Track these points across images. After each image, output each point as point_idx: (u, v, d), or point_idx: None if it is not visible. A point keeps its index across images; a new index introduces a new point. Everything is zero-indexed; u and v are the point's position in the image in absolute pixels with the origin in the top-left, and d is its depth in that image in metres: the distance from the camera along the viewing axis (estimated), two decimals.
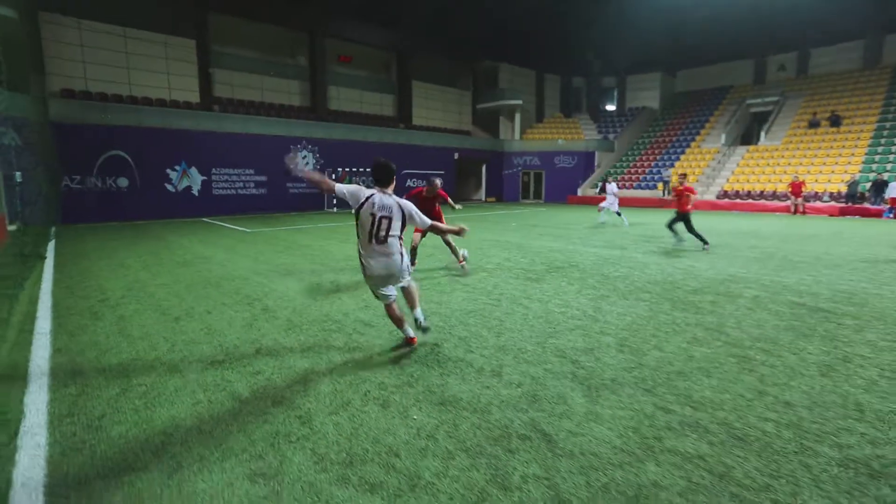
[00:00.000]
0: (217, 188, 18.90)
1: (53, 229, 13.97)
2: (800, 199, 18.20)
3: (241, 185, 19.61)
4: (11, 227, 13.77)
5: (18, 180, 14.92)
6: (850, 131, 22.61)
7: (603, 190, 15.13)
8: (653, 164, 27.54)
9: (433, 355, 3.81)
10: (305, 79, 23.50)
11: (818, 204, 18.98)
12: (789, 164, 22.25)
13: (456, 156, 27.38)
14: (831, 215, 17.92)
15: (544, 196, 29.59)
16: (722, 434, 2.59)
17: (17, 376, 3.43)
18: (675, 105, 32.78)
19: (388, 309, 3.85)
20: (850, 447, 2.46)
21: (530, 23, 27.80)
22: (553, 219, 17.17)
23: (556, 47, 30.34)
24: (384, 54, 26.55)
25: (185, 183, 18.13)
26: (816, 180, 20.46)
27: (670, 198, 9.91)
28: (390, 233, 3.52)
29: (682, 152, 27.30)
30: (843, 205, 18.20)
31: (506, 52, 30.04)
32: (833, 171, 20.66)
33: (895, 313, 4.93)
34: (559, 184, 28.95)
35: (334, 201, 21.48)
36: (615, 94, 34.77)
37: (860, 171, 19.79)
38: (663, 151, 28.36)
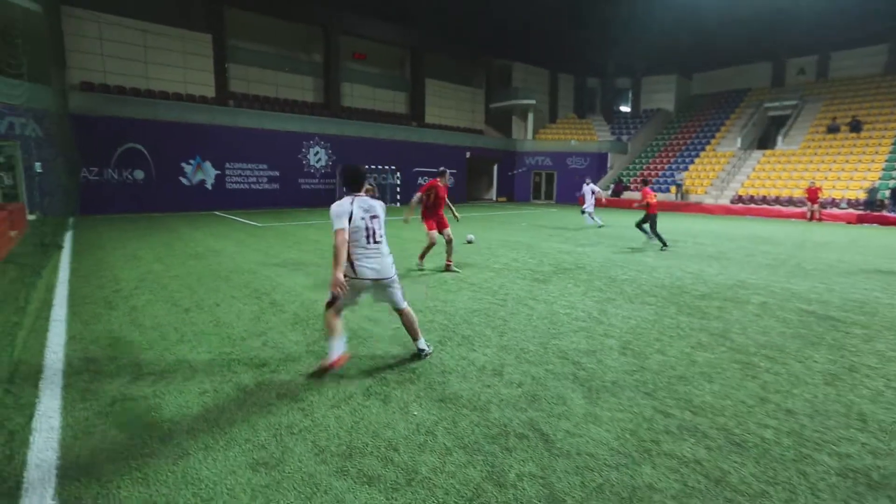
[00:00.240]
0: (230, 182, 19.14)
1: (72, 219, 14.28)
2: (816, 206, 17.90)
3: (254, 179, 19.83)
4: (31, 217, 14.11)
5: (39, 171, 15.28)
6: (870, 137, 22.16)
7: (580, 189, 15.06)
8: (666, 166, 27.27)
9: (436, 353, 3.85)
10: (319, 75, 23.65)
11: (835, 211, 18.65)
12: (807, 169, 21.88)
13: (468, 155, 27.38)
14: (849, 223, 17.60)
15: (556, 197, 29.47)
16: (720, 439, 2.59)
17: (33, 362, 3.55)
18: (691, 107, 32.40)
19: (333, 315, 3.39)
20: (850, 457, 2.45)
21: (545, 22, 27.65)
22: (563, 220, 17.11)
23: (570, 47, 30.14)
24: (398, 52, 26.62)
25: (199, 176, 18.39)
26: (834, 186, 20.10)
27: (638, 202, 10.72)
28: (382, 232, 3.47)
29: (697, 155, 26.99)
30: (861, 212, 17.87)
31: (520, 51, 29.94)
32: (852, 178, 20.28)
33: None
34: (571, 185, 28.76)
35: None
36: (629, 95, 34.45)
37: (880, 178, 19.40)
38: (677, 154, 28.06)
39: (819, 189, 17.90)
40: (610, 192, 26.99)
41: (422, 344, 3.73)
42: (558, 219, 17.58)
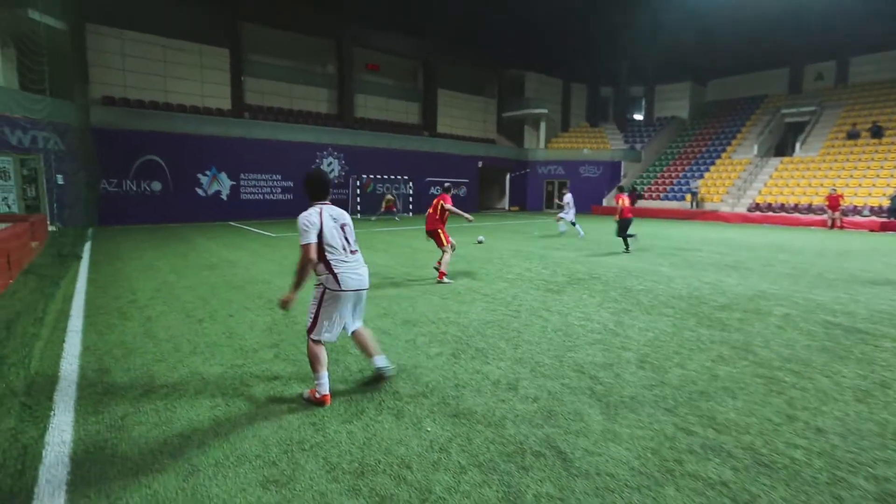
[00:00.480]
0: (245, 193, 19.39)
1: (91, 230, 14.56)
2: (837, 213, 17.49)
3: (269, 190, 20.06)
4: (52, 228, 14.44)
5: (60, 183, 15.66)
6: (893, 143, 21.65)
7: (561, 199, 14.91)
8: (681, 174, 26.95)
9: (449, 366, 3.78)
10: (333, 87, 23.96)
11: (857, 218, 18.19)
12: (826, 176, 21.44)
13: (480, 164, 27.40)
14: (871, 230, 17.14)
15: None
16: (747, 459, 2.48)
17: (50, 373, 3.56)
18: (705, 115, 32.07)
19: (318, 346, 3.12)
20: (889, 480, 2.32)
21: (557, 32, 27.74)
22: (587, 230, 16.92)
23: (583, 56, 30.16)
24: (411, 63, 26.87)
25: (214, 187, 18.67)
26: (856, 194, 19.63)
27: (619, 208, 11.06)
28: (355, 240, 3.26)
29: (713, 163, 26.64)
30: (884, 220, 17.40)
31: (532, 60, 30.02)
32: (874, 185, 19.79)
33: None
34: (584, 194, 28.52)
35: (358, 208, 21.74)
36: (643, 103, 34.26)
37: None
38: (692, 162, 27.73)
39: (840, 196, 17.50)
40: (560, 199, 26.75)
41: (381, 361, 3.34)
42: (571, 228, 17.40)
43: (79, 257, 9.11)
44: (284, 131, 20.44)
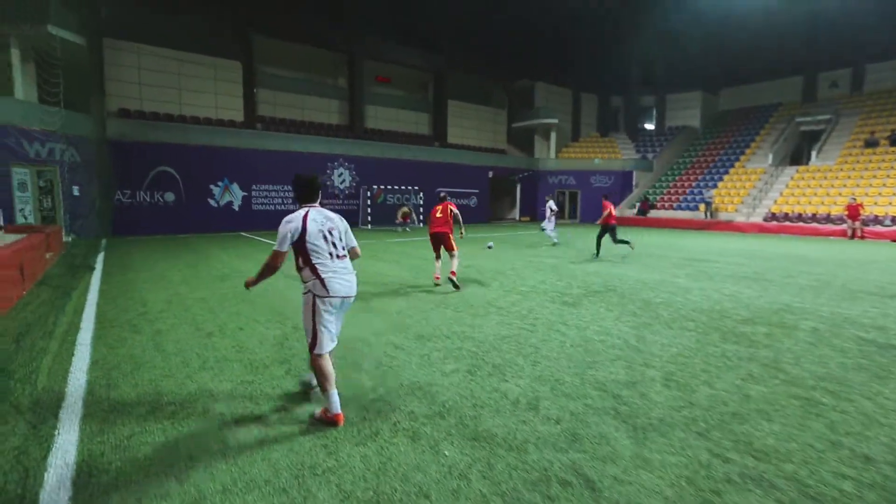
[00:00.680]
0: (256, 204, 19.49)
1: (104, 241, 14.68)
2: (857, 223, 17.09)
3: (280, 200, 20.15)
4: (67, 239, 14.58)
5: (76, 194, 15.85)
6: None
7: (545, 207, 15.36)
8: (694, 184, 26.64)
9: (466, 384, 3.64)
10: (344, 98, 24.15)
11: (878, 228, 17.76)
12: (844, 185, 21.02)
13: (490, 174, 27.34)
14: (894, 240, 16.70)
15: (580, 216, 29.05)
16: (792, 491, 2.29)
17: (57, 388, 3.48)
18: (718, 124, 31.78)
19: (324, 360, 2.99)
20: None
21: (567, 41, 27.78)
22: (589, 240, 16.71)
23: (593, 66, 30.13)
24: (421, 75, 27.02)
25: (226, 198, 18.79)
26: (876, 203, 19.19)
27: (604, 215, 11.49)
28: (344, 246, 3.13)
29: (726, 172, 26.31)
30: None
31: (542, 70, 30.05)
32: (895, 193, 19.35)
33: None
34: (595, 204, 28.28)
35: (368, 218, 21.74)
36: (654, 112, 34.08)
37: None
38: (705, 171, 27.42)
39: (860, 205, 17.11)
40: (636, 210, 26.49)
41: (310, 376, 3.32)
42: (583, 238, 17.21)
43: (91, 268, 9.13)
44: (296, 142, 20.58)
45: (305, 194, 3.13)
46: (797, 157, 26.70)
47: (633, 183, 28.84)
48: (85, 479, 2.36)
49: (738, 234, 19.96)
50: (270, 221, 19.57)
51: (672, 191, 27.00)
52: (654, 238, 17.23)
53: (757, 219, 21.64)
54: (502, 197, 30.38)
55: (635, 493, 2.29)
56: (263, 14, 20.77)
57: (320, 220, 3.04)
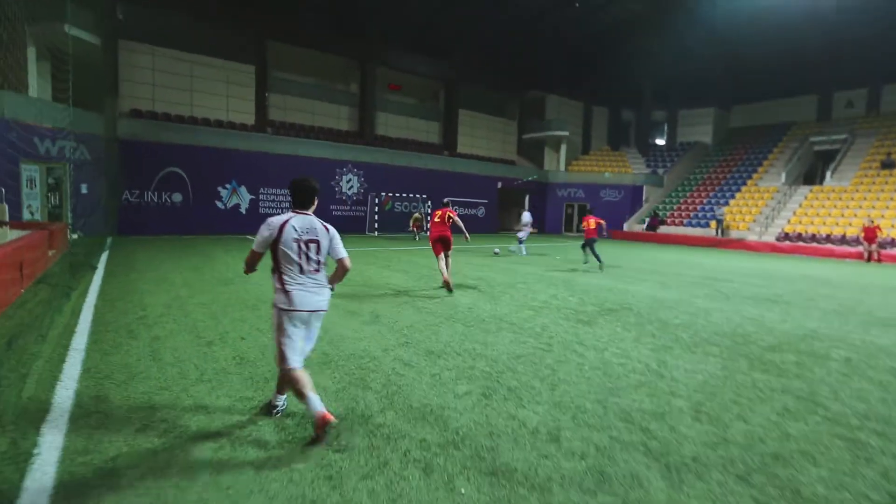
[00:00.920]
0: (263, 207, 19.39)
1: (110, 240, 14.58)
2: (874, 246, 16.71)
3: (287, 205, 20.03)
4: (73, 237, 14.49)
5: (84, 192, 15.80)
6: None
7: (519, 218, 15.95)
8: (705, 200, 26.34)
9: (480, 409, 3.38)
10: (355, 105, 24.14)
11: None
12: (860, 206, 20.66)
13: (499, 185, 27.18)
14: None
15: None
16: None
17: (44, 398, 3.26)
18: (730, 141, 31.54)
19: (297, 375, 2.85)
20: None
21: (580, 55, 27.74)
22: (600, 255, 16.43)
23: (606, 79, 30.05)
24: (433, 83, 27.02)
25: (234, 201, 18.71)
26: (893, 225, 18.81)
27: (584, 227, 12.47)
28: (321, 259, 2.98)
29: (738, 190, 26.00)
30: None
31: (554, 83, 29.99)
32: None
33: None
34: (604, 218, 27.85)
35: (376, 225, 21.59)
36: (665, 128, 33.91)
37: None
38: (716, 188, 27.12)
39: (878, 228, 16.74)
40: (645, 225, 26.19)
41: (281, 401, 3.11)
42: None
43: (94, 268, 8.97)
44: (306, 147, 20.52)
45: (296, 200, 3.04)
46: (810, 176, 26.38)
47: (643, 198, 28.57)
48: None
49: (750, 252, 19.60)
50: None
51: (682, 207, 26.70)
52: (665, 254, 16.92)
53: (769, 238, 21.28)
54: (511, 208, 30.16)
55: None
56: (280, 20, 20.85)
57: (301, 229, 2.92)
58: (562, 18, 24.57)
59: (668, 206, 27.37)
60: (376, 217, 21.74)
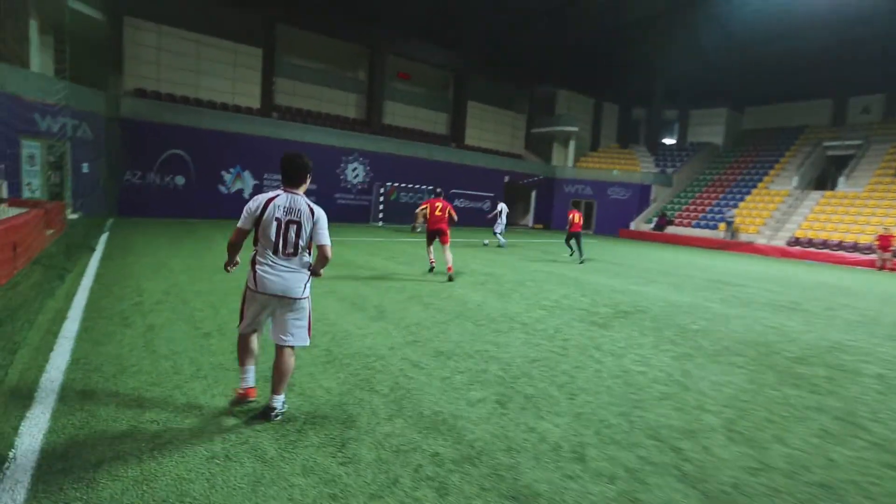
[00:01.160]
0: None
1: (111, 221, 14.32)
2: (888, 254, 16.37)
3: None
4: (73, 216, 14.24)
5: (85, 171, 15.53)
6: None
7: (494, 207, 16.28)
8: (714, 202, 25.96)
9: (496, 419, 3.13)
10: (363, 92, 23.75)
11: None
12: (874, 213, 20.27)
13: (506, 179, 26.82)
14: None
15: (594, 227, 28.42)
16: None
17: (25, 391, 3.02)
18: (741, 142, 31.07)
19: (243, 339, 3.02)
20: None
21: (593, 51, 27.20)
22: (607, 253, 16.18)
23: (617, 76, 29.51)
24: (442, 74, 26.57)
25: (237, 185, 18.41)
26: None
27: (569, 224, 12.70)
28: (300, 243, 2.83)
29: (748, 192, 25.60)
30: None
31: (565, 78, 29.52)
32: None
33: None
34: (611, 216, 27.77)
35: (381, 215, 21.29)
36: (676, 127, 33.43)
37: None
38: (726, 190, 26.72)
39: (892, 236, 16.40)
40: (653, 225, 25.85)
41: (278, 402, 2.88)
42: (601, 251, 16.66)
43: (92, 249, 8.72)
44: (312, 134, 20.16)
45: (286, 177, 2.92)
46: (822, 181, 25.97)
47: (651, 197, 28.19)
48: None
49: (759, 256, 19.28)
50: None
51: (691, 207, 26.33)
52: (673, 255, 16.62)
53: (779, 242, 20.94)
54: (516, 203, 29.83)
55: None
56: (290, 3, 20.39)
57: (284, 208, 2.81)
58: (576, 13, 24.04)
59: (676, 207, 27.00)
60: (381, 207, 21.44)
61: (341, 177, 20.97)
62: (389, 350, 4.33)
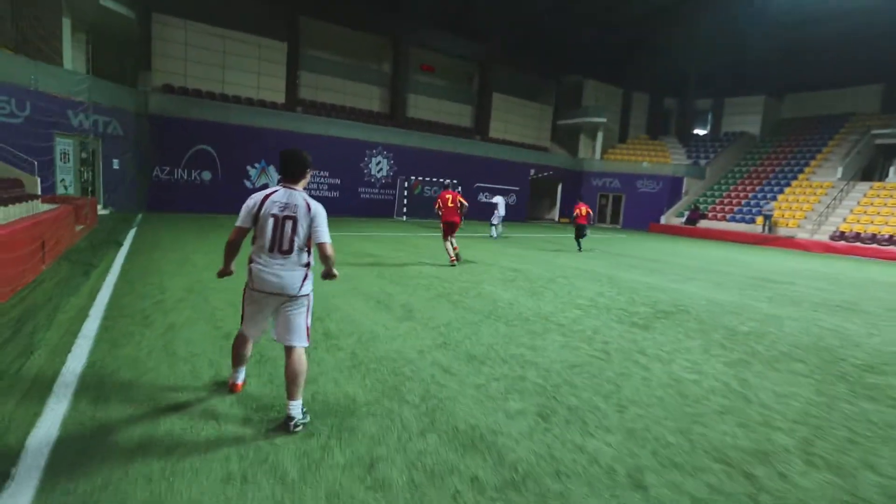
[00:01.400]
0: None
1: (139, 216, 14.51)
2: None
3: (315, 186, 19.73)
4: (104, 212, 14.49)
5: (115, 167, 15.78)
6: None
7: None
8: (751, 195, 24.82)
9: (539, 435, 2.81)
10: (386, 85, 23.52)
11: None
12: None
13: (532, 172, 26.25)
14: None
15: (622, 222, 27.60)
16: None
17: (36, 399, 2.85)
18: (780, 132, 29.62)
19: (239, 339, 2.99)
20: None
21: (621, 38, 26.25)
22: (637, 248, 15.58)
23: (647, 65, 28.46)
24: (466, 65, 26.11)
25: (262, 180, 18.47)
26: None
27: (574, 216, 13.38)
28: (295, 239, 2.68)
29: (788, 184, 24.39)
30: None
31: (593, 67, 28.65)
32: None
33: None
34: (641, 210, 26.88)
35: (404, 210, 21.10)
36: (709, 116, 32.14)
37: None
38: (763, 182, 25.52)
39: None
40: (685, 219, 24.91)
41: (296, 410, 2.66)
42: (630, 246, 16.06)
43: (119, 244, 8.74)
44: (336, 127, 20.07)
45: (284, 172, 2.81)
46: (869, 172, 24.52)
47: (683, 190, 27.17)
48: None
49: (801, 252, 18.29)
50: None
51: (725, 200, 25.25)
52: (708, 250, 15.88)
53: (822, 237, 19.84)
54: (542, 197, 29.26)
55: None
56: None
57: (281, 203, 2.70)
58: (602, 1, 23.18)
59: (709, 200, 25.95)
60: (405, 201, 21.23)
61: (365, 171, 20.84)
62: (419, 354, 4.05)
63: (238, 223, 2.76)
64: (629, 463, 2.58)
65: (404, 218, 20.87)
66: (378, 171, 21.18)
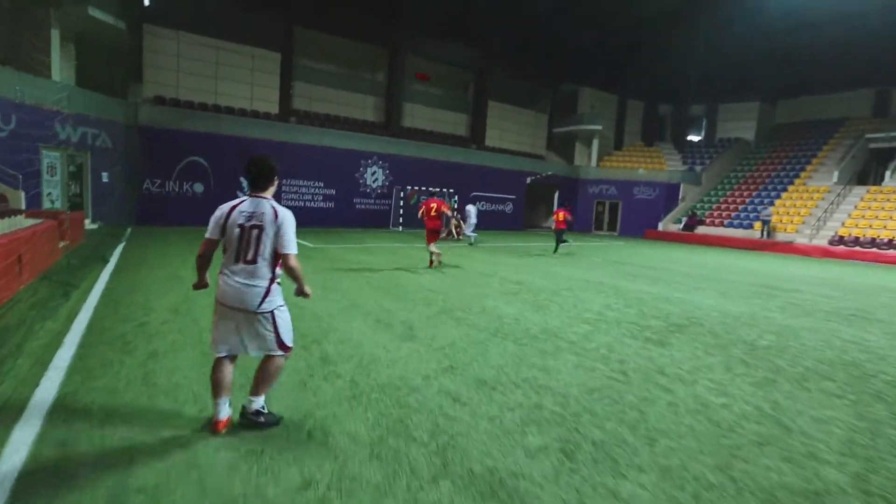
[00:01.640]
0: (285, 199, 18.79)
1: (129, 230, 14.13)
2: None
3: (310, 197, 19.43)
4: (92, 226, 14.09)
5: (105, 180, 15.41)
6: None
7: (461, 210, 17.20)
8: (747, 200, 24.77)
9: (565, 475, 2.50)
10: (381, 94, 23.34)
11: None
12: None
13: (528, 180, 26.08)
14: None
15: (619, 229, 27.45)
16: None
17: None
18: (774, 137, 29.70)
19: (216, 366, 2.74)
20: None
21: (616, 46, 26.31)
22: (637, 256, 15.34)
23: (642, 72, 28.54)
24: (462, 73, 26.00)
25: None
26: None
27: (553, 221, 14.23)
28: (260, 250, 2.60)
29: (784, 189, 24.36)
30: None
31: (588, 75, 28.68)
32: None
33: None
34: (637, 216, 26.75)
35: (400, 220, 20.81)
36: (704, 123, 32.22)
37: None
38: (760, 187, 25.49)
39: None
40: (682, 225, 24.77)
41: (259, 403, 2.75)
42: (629, 254, 15.82)
43: (105, 261, 8.38)
44: (331, 138, 19.82)
45: (251, 180, 2.74)
46: (864, 176, 24.55)
47: (680, 196, 27.09)
48: None
49: (799, 257, 18.14)
50: (299, 218, 18.23)
51: (722, 206, 25.18)
52: (707, 257, 15.68)
53: (821, 241, 19.73)
54: (538, 205, 29.10)
55: None
56: (308, 5, 20.10)
57: (247, 213, 2.63)
58: (598, 8, 23.23)
59: (706, 206, 25.87)
60: (401, 211, 20.96)
61: (360, 181, 20.57)
62: (424, 380, 3.73)
63: (207, 235, 2.68)
64: None
65: (400, 228, 20.57)
66: (373, 182, 20.92)
